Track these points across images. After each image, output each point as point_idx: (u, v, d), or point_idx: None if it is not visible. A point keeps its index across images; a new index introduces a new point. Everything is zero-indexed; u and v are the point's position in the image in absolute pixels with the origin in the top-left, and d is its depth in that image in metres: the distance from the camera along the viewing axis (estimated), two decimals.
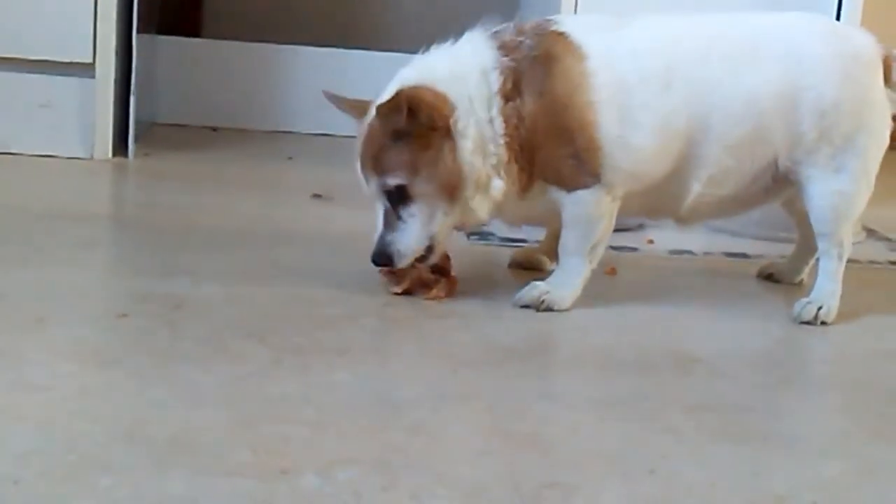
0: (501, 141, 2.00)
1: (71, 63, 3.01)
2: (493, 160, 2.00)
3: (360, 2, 3.99)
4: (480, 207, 2.02)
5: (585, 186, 2.03)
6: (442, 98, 1.98)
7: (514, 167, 2.02)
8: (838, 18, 2.93)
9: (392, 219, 2.01)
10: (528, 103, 2.00)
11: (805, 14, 2.19)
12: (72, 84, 3.03)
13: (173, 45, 3.71)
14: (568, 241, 2.08)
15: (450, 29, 2.09)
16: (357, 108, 2.08)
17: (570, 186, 2.03)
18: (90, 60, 3.01)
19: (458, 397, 1.66)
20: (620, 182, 2.04)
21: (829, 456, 1.56)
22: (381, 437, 1.48)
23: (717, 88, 2.06)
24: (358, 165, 2.03)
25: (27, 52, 3.00)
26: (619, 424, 1.59)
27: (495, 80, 2.00)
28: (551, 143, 2.01)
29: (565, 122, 2.01)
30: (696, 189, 2.10)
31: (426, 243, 2.01)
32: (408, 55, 2.11)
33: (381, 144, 1.99)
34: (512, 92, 2.00)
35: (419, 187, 1.98)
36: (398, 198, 1.99)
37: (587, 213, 2.05)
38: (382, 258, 2.02)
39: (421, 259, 2.03)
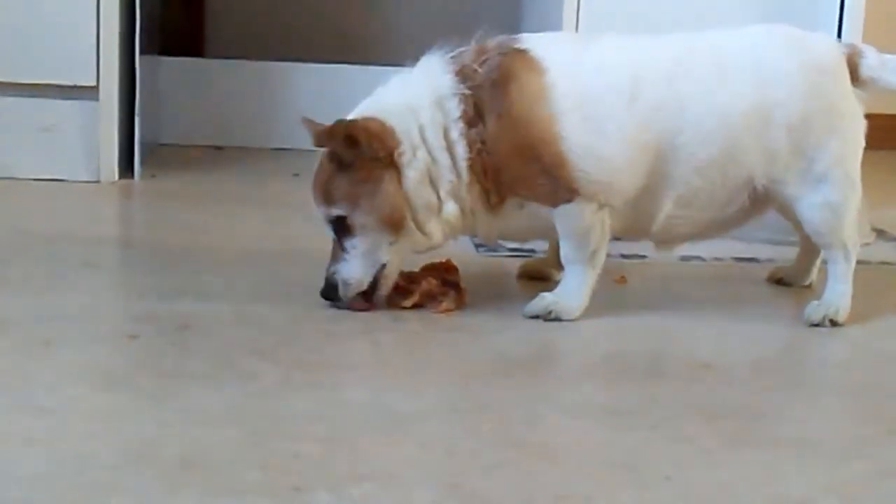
0: (464, 164, 2.00)
1: (74, 86, 3.01)
2: (448, 186, 2.00)
3: (360, 17, 3.99)
4: (434, 231, 2.02)
5: (567, 201, 2.02)
6: (386, 129, 1.98)
7: (476, 188, 2.02)
8: (840, 32, 2.92)
9: (337, 250, 2.01)
10: (490, 126, 1.99)
11: (766, 26, 2.16)
12: (76, 107, 3.03)
13: (176, 66, 3.70)
14: (566, 251, 2.08)
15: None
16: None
17: (552, 203, 2.03)
18: (94, 83, 3.01)
19: (469, 410, 1.65)
20: (600, 192, 2.02)
21: (844, 458, 1.55)
22: (393, 452, 1.48)
23: (686, 107, 2.04)
24: (312, 194, 2.04)
25: (30, 76, 3.00)
26: (632, 433, 1.59)
27: (455, 108, 2.00)
28: (517, 163, 2.00)
29: (528, 139, 1.99)
30: (667, 208, 2.08)
31: (371, 273, 2.00)
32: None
33: (328, 174, 2.00)
34: (474, 118, 2.00)
35: (359, 219, 1.98)
36: (341, 229, 2.00)
37: (577, 225, 2.04)
38: (328, 291, 2.01)
39: (366, 293, 2.01)
